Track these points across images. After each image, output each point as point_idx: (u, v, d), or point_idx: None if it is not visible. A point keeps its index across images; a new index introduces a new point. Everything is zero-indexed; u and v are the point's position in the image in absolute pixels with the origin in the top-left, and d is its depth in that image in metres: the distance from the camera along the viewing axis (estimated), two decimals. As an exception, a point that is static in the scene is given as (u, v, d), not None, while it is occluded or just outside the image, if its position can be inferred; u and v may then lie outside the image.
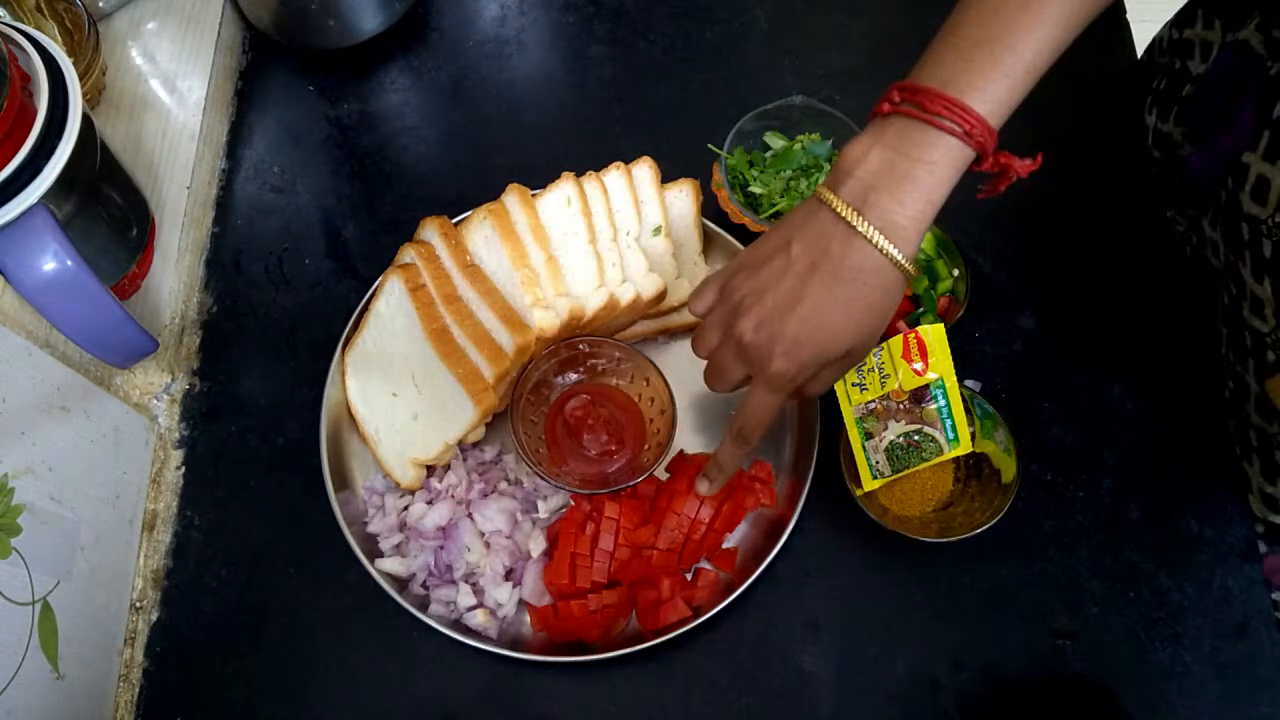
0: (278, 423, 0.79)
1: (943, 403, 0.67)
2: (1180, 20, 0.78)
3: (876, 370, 0.67)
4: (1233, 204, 0.64)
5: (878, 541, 0.72)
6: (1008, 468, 0.68)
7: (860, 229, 0.52)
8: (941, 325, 0.66)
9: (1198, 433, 0.76)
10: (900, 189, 0.52)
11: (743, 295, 0.57)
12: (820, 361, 0.56)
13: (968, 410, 0.69)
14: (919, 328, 0.65)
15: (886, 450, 0.68)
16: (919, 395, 0.67)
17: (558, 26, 0.96)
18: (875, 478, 0.69)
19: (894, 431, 0.67)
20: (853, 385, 0.68)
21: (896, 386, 0.66)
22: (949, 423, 0.67)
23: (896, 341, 0.66)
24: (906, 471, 0.69)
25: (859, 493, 0.69)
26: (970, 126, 0.51)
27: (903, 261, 0.53)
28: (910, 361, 0.65)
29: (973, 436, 0.69)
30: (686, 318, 0.79)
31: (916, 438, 0.67)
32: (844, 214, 0.53)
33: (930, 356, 0.65)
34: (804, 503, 0.70)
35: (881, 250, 0.52)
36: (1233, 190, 0.64)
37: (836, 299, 0.54)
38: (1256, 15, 0.65)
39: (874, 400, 0.67)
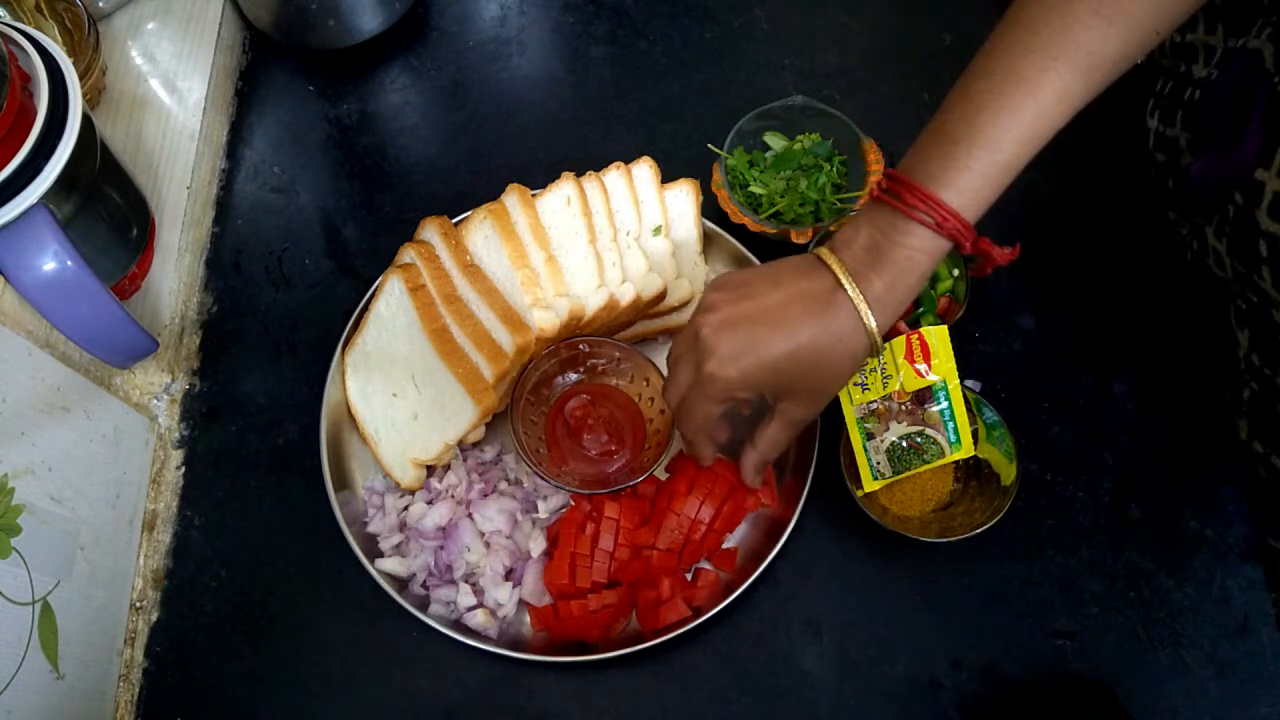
0: (278, 423, 0.79)
1: (945, 405, 0.67)
2: (1183, 25, 0.78)
3: (879, 370, 0.66)
4: (1247, 220, 0.64)
5: (878, 541, 0.72)
6: (1007, 473, 0.68)
7: (848, 289, 0.56)
8: (945, 327, 0.65)
9: (1198, 433, 0.76)
10: (881, 267, 0.56)
11: (716, 301, 0.59)
12: (759, 382, 0.58)
13: (972, 414, 0.69)
14: (922, 329, 0.65)
15: (888, 451, 0.68)
16: (921, 397, 0.66)
17: (558, 26, 0.96)
18: (876, 479, 0.69)
19: (895, 432, 0.67)
20: (854, 385, 0.68)
21: (899, 387, 0.66)
22: (951, 425, 0.67)
23: (899, 342, 0.65)
24: (908, 473, 0.69)
25: (859, 494, 0.69)
26: (942, 219, 0.54)
27: (874, 331, 0.56)
28: (913, 363, 0.65)
29: (975, 439, 0.69)
30: (686, 318, 0.79)
31: (918, 439, 0.67)
32: (838, 273, 0.56)
33: (933, 358, 0.65)
34: (804, 503, 0.70)
35: (860, 314, 0.56)
36: (1245, 206, 0.64)
37: (803, 332, 0.56)
38: (1268, 25, 0.65)
39: (876, 400, 0.67)
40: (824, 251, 0.58)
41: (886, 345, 0.66)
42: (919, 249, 0.55)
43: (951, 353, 0.65)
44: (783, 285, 0.58)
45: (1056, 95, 0.54)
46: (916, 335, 0.65)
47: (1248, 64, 0.66)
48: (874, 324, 0.56)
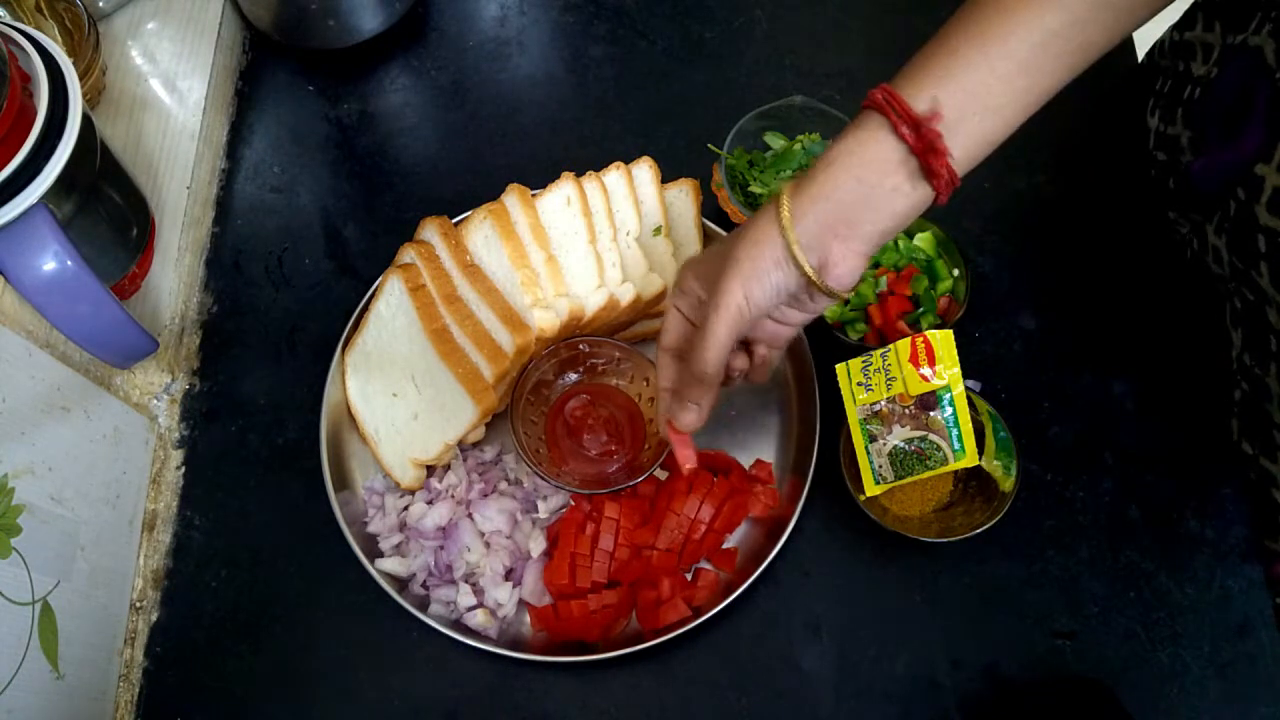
0: (278, 423, 0.79)
1: (950, 412, 0.66)
2: (1181, 23, 0.79)
3: (883, 372, 0.66)
4: (1246, 215, 0.64)
5: (878, 541, 0.72)
6: (1005, 483, 0.68)
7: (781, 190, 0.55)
8: (950, 332, 0.65)
9: (1198, 433, 0.75)
10: (816, 168, 0.54)
11: None
12: (705, 262, 0.58)
13: (982, 430, 0.69)
14: (927, 332, 0.65)
15: (890, 455, 0.67)
16: (926, 401, 0.66)
17: (558, 26, 0.96)
18: (878, 482, 0.69)
19: (899, 436, 0.67)
20: (858, 385, 0.67)
21: (903, 390, 0.66)
22: (955, 433, 0.66)
23: (904, 344, 0.65)
24: (910, 479, 0.69)
25: (861, 498, 0.69)
26: (887, 96, 0.52)
27: (782, 203, 0.54)
28: (917, 366, 0.65)
29: (981, 451, 0.68)
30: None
31: (922, 444, 0.67)
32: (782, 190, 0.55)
33: (938, 362, 0.65)
34: (804, 503, 0.70)
35: (780, 196, 0.54)
36: (1245, 202, 0.64)
37: (738, 236, 0.56)
38: (1267, 22, 0.64)
39: (879, 402, 0.67)
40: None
41: (892, 347, 0.66)
42: (864, 133, 0.53)
43: (956, 357, 0.65)
44: None
45: (1029, 8, 0.51)
46: (921, 338, 0.65)
47: (1248, 61, 0.66)
48: (787, 199, 0.53)
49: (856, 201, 0.53)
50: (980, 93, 0.52)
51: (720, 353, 0.57)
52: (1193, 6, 0.77)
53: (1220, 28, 0.71)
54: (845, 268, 0.54)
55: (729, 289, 0.55)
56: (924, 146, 0.51)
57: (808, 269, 0.54)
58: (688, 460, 0.64)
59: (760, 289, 0.55)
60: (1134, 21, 0.53)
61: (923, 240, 0.78)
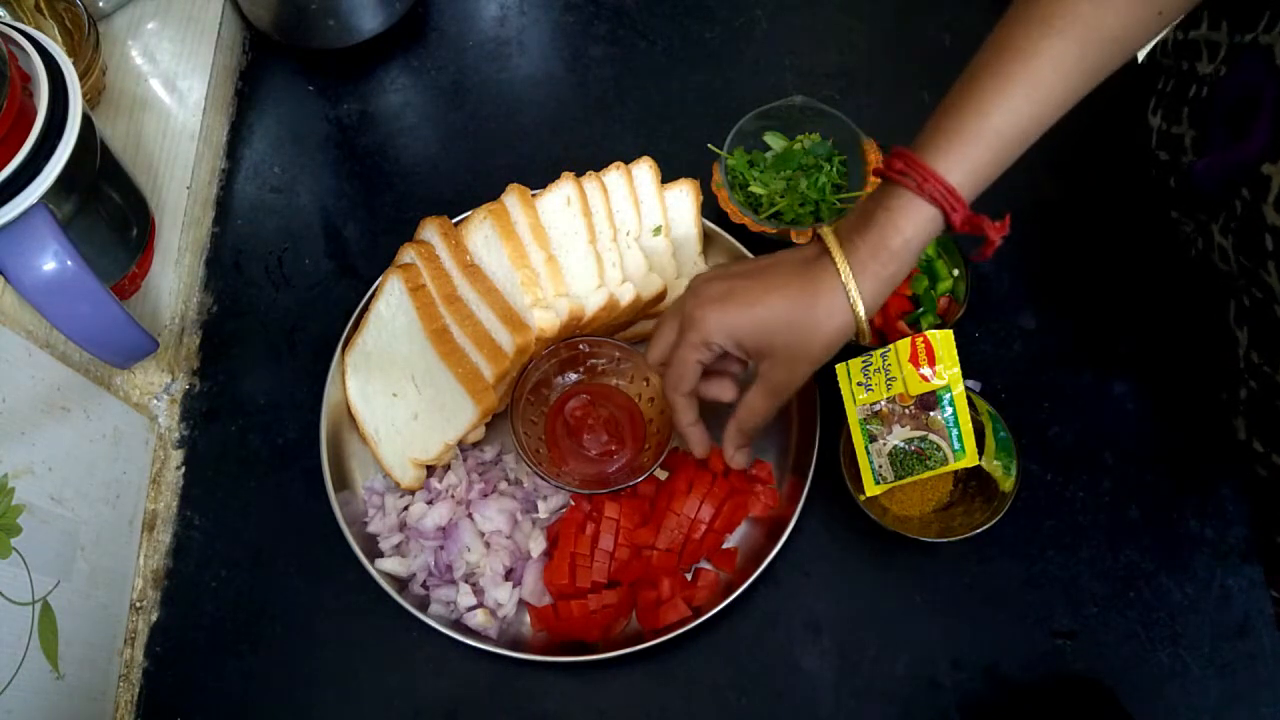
0: (278, 423, 0.79)
1: (950, 412, 0.66)
2: (1186, 22, 0.78)
3: (883, 372, 0.66)
4: (1253, 215, 0.64)
5: (878, 541, 0.72)
6: (1005, 483, 0.68)
7: (833, 252, 0.57)
8: (950, 332, 0.65)
9: (1198, 433, 0.75)
10: (866, 231, 0.56)
11: (710, 269, 0.62)
12: (736, 329, 0.59)
13: (980, 425, 0.69)
14: (927, 332, 0.65)
15: (890, 455, 0.67)
16: (926, 401, 0.66)
17: (558, 26, 0.96)
18: (878, 482, 0.68)
19: (899, 436, 0.67)
20: (858, 385, 0.67)
21: (903, 390, 0.66)
22: (955, 433, 0.66)
23: (904, 344, 0.65)
24: (910, 479, 0.69)
25: (861, 498, 0.69)
26: (922, 179, 0.54)
27: (855, 296, 0.56)
28: (917, 366, 0.65)
29: (981, 451, 0.68)
30: (686, 318, 0.79)
31: (922, 445, 0.67)
32: (826, 238, 0.58)
33: (938, 362, 0.65)
34: (804, 503, 0.70)
35: (841, 274, 0.56)
36: (1252, 201, 0.64)
37: (785, 286, 0.58)
38: (1277, 21, 0.64)
39: (879, 402, 0.67)
40: (822, 228, 0.59)
41: (892, 347, 0.66)
42: (901, 212, 0.55)
43: (956, 357, 0.65)
44: (776, 256, 0.61)
45: (1052, 65, 0.54)
46: (921, 338, 0.65)
47: (1257, 60, 0.66)
48: (854, 288, 0.56)
49: (903, 272, 0.57)
50: (1000, 150, 0.55)
51: (766, 422, 0.64)
52: (1198, 5, 0.76)
53: (1227, 26, 0.71)
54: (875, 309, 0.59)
55: (792, 375, 0.60)
56: (954, 207, 0.55)
57: (868, 340, 0.59)
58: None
59: (816, 367, 0.60)
60: (1142, 43, 0.57)
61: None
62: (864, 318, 0.57)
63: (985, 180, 0.56)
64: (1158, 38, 0.84)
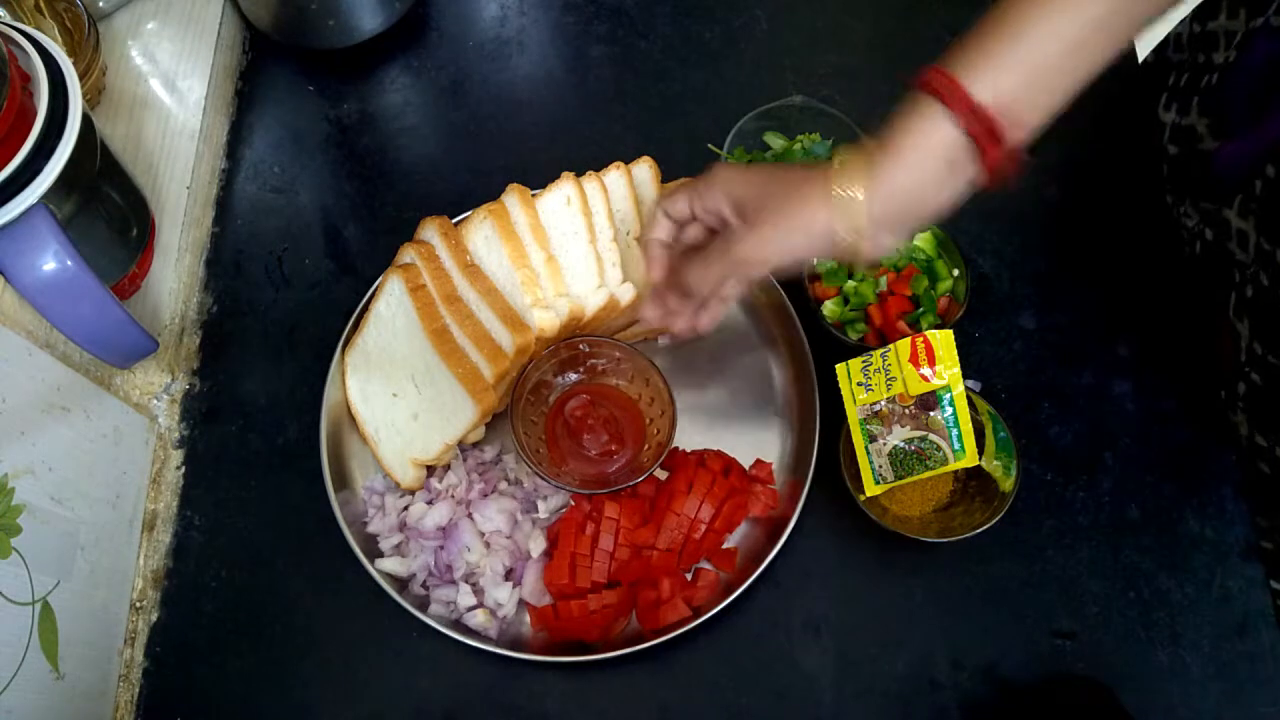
0: (278, 423, 0.79)
1: (950, 412, 0.66)
2: (1202, 14, 0.78)
3: (883, 372, 0.66)
4: (1276, 194, 0.64)
5: (878, 541, 0.72)
6: (1006, 483, 0.68)
7: (837, 157, 0.54)
8: (950, 332, 0.65)
9: (1198, 433, 0.76)
10: (884, 136, 0.53)
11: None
12: (734, 182, 0.58)
13: (980, 426, 0.69)
14: (927, 332, 0.65)
15: (890, 455, 0.68)
16: (926, 402, 0.66)
17: (558, 26, 0.96)
18: (878, 482, 0.69)
19: (899, 436, 0.67)
20: (858, 385, 0.67)
21: (903, 390, 0.66)
22: (955, 433, 0.66)
23: (904, 345, 0.65)
24: (910, 479, 0.69)
25: (861, 498, 0.69)
26: (950, 89, 0.51)
27: (837, 191, 0.53)
28: (917, 366, 0.65)
29: (981, 451, 0.68)
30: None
31: (922, 445, 0.67)
32: (836, 156, 0.55)
33: (938, 362, 0.65)
34: (804, 503, 0.70)
35: (835, 170, 0.54)
36: (1275, 180, 0.63)
37: (788, 169, 0.57)
38: None
39: (879, 402, 0.67)
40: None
41: (892, 347, 0.66)
42: (926, 122, 0.52)
43: (956, 358, 0.65)
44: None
45: None
46: (921, 338, 0.65)
47: (1271, 41, 0.65)
48: (843, 182, 0.53)
49: (916, 195, 0.53)
50: (1036, 76, 0.51)
51: (712, 287, 0.60)
52: None
53: (1245, 15, 0.71)
54: (878, 249, 0.55)
55: (750, 245, 0.57)
56: (985, 133, 0.51)
57: (844, 251, 0.55)
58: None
59: (784, 257, 0.56)
60: None
61: (923, 240, 0.78)
62: (854, 219, 0.53)
63: (1014, 104, 0.51)
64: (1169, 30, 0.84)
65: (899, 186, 0.53)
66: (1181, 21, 0.82)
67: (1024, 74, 0.51)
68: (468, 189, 0.87)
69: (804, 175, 0.56)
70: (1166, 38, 0.84)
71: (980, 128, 0.51)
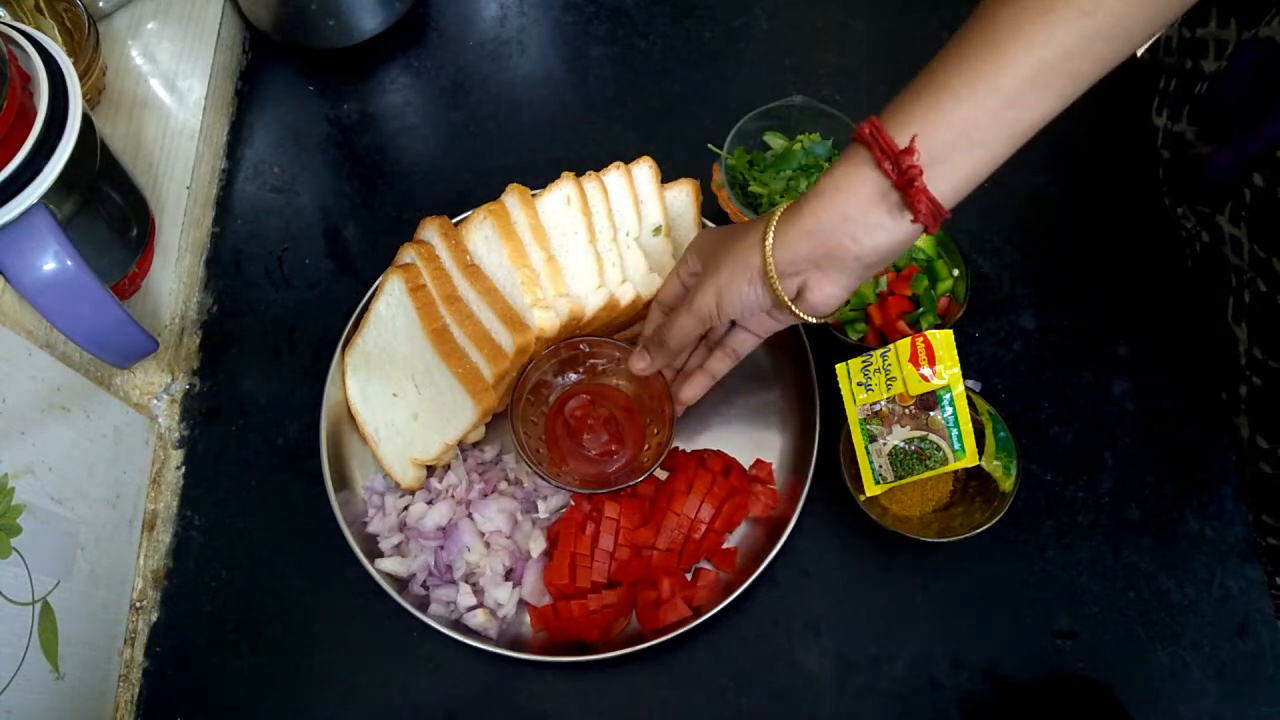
0: (278, 423, 0.79)
1: (950, 412, 0.66)
2: (1191, 20, 0.78)
3: (883, 372, 0.66)
4: (1267, 201, 0.64)
5: (878, 541, 0.72)
6: (1006, 483, 0.68)
7: (776, 211, 0.58)
8: (950, 332, 0.65)
9: (1198, 433, 0.76)
10: (806, 198, 0.56)
11: None
12: (701, 244, 0.64)
13: (980, 426, 0.69)
14: (927, 332, 0.65)
15: (890, 455, 0.68)
16: (926, 402, 0.66)
17: (558, 26, 0.96)
18: (878, 482, 0.69)
19: (899, 436, 0.67)
20: (858, 385, 0.67)
21: (903, 390, 0.66)
22: (955, 433, 0.66)
23: (904, 344, 0.65)
24: (910, 479, 0.69)
25: (861, 498, 0.69)
26: (873, 131, 0.52)
27: (768, 233, 0.56)
28: (917, 366, 0.65)
29: (981, 451, 0.68)
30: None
31: (922, 445, 0.67)
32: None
33: (938, 362, 0.65)
34: (804, 503, 0.70)
35: (765, 226, 0.57)
36: (1265, 187, 0.64)
37: (734, 238, 0.60)
38: (1277, 13, 0.64)
39: (879, 402, 0.67)
40: None
41: (892, 347, 0.66)
42: (852, 167, 0.53)
43: (956, 358, 0.65)
44: None
45: (1018, 42, 0.49)
46: (921, 338, 0.65)
47: (1261, 52, 0.66)
48: (773, 226, 0.56)
49: (839, 234, 0.54)
50: (967, 128, 0.51)
51: (681, 338, 0.64)
52: (1205, 1, 0.76)
53: (1236, 23, 0.71)
54: (821, 295, 0.57)
55: (704, 292, 0.61)
56: (904, 181, 0.52)
57: (781, 294, 0.58)
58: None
59: (731, 300, 0.60)
60: (1128, 48, 0.52)
61: (923, 240, 0.78)
62: (783, 257, 0.56)
63: (946, 150, 0.51)
64: (1160, 34, 0.84)
65: (821, 227, 0.55)
66: (1171, 25, 0.82)
67: (953, 125, 0.51)
68: (468, 189, 0.87)
69: (750, 224, 0.60)
70: (1162, 38, 0.84)
71: (901, 178, 0.52)
